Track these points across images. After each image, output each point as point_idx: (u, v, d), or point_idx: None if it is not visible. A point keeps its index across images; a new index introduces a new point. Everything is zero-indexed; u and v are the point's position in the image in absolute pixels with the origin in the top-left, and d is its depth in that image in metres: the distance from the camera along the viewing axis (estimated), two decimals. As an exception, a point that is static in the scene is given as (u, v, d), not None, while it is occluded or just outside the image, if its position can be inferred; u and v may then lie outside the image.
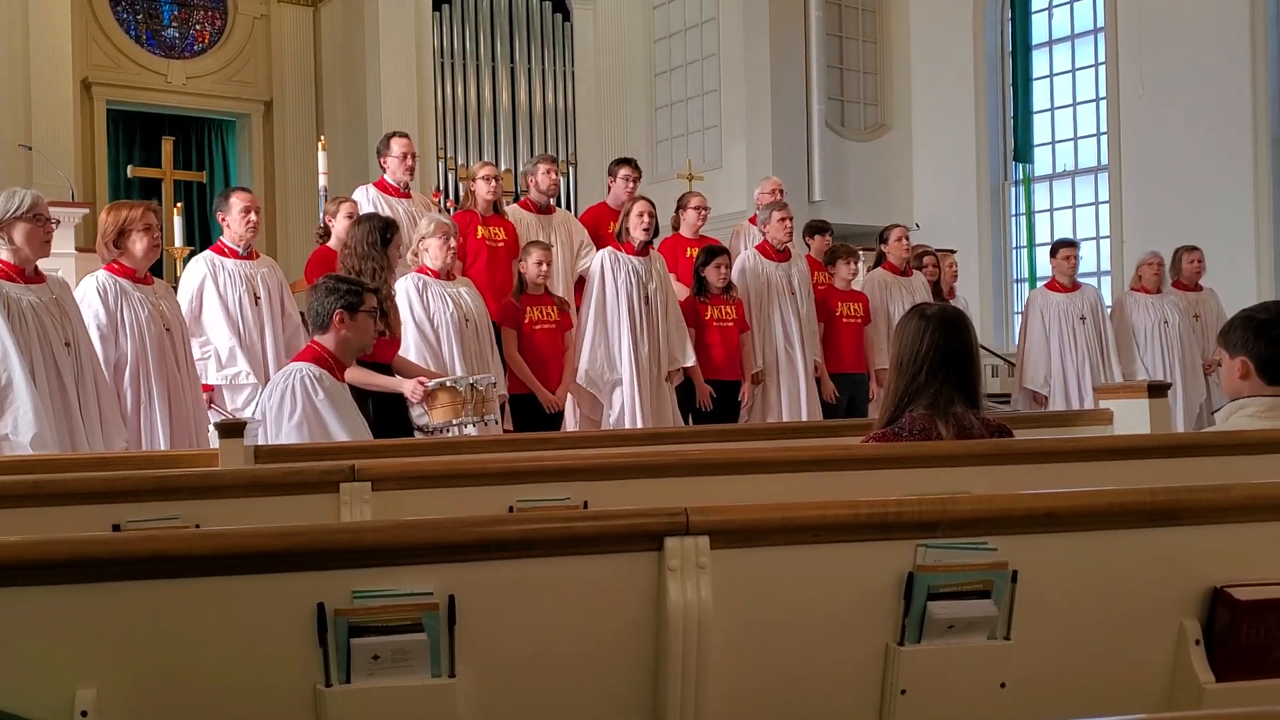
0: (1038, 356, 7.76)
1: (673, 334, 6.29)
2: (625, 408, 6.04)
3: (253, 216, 5.42)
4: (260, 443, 3.66)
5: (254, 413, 4.46)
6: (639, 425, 5.97)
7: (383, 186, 6.39)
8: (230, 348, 5.25)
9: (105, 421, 4.22)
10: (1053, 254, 8.02)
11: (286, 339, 5.40)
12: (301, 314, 5.18)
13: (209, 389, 5.21)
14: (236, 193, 5.54)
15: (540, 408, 5.90)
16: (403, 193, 6.42)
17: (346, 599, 1.58)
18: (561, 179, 12.69)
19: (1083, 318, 7.69)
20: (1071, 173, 11.81)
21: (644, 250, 6.27)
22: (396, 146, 6.37)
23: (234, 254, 5.40)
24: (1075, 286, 7.90)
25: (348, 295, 4.08)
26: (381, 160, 6.45)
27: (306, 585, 1.58)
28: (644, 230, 6.19)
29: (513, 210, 6.67)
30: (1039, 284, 11.34)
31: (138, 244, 4.63)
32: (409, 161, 6.38)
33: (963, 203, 12.22)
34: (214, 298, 5.29)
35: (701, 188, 8.81)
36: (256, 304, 5.36)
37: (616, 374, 6.08)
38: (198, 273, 5.35)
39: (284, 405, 3.86)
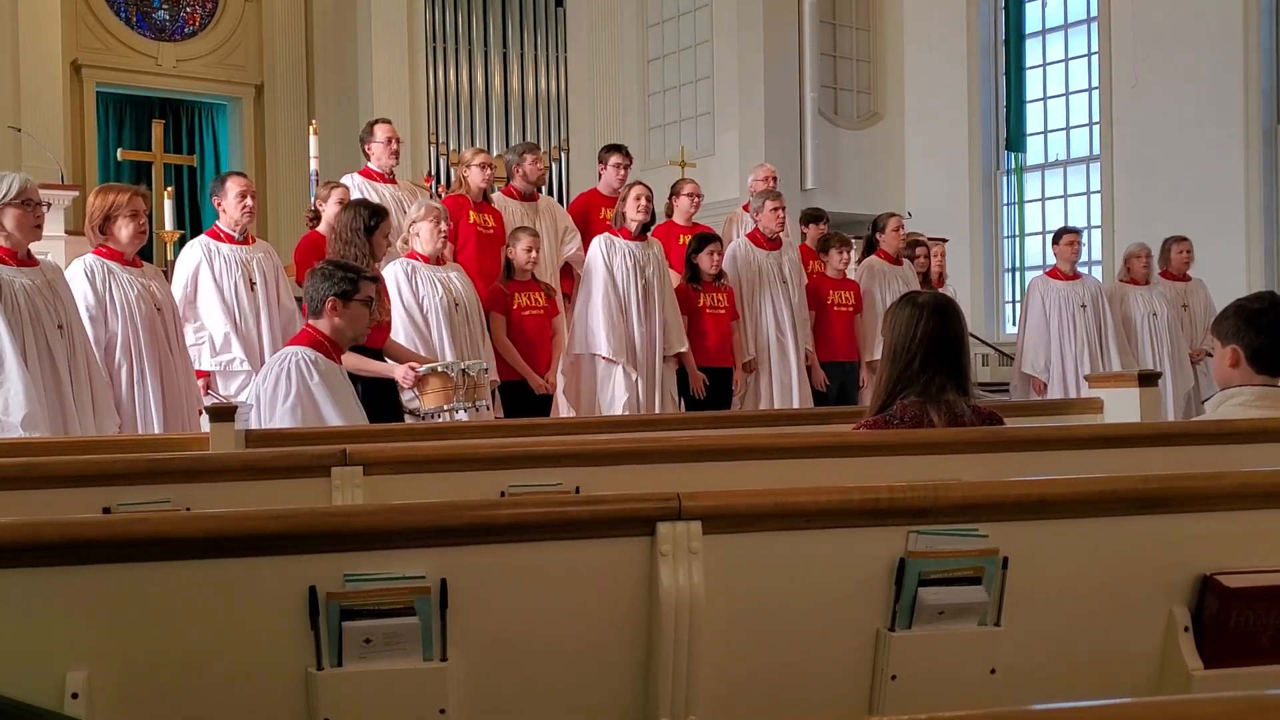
0: (1037, 342, 7.75)
1: (669, 320, 6.29)
2: (621, 391, 6.04)
3: (249, 201, 5.37)
4: (254, 425, 3.66)
5: (248, 396, 4.45)
6: (635, 409, 5.98)
7: (367, 174, 6.35)
8: (224, 334, 5.20)
9: (97, 406, 4.21)
10: (1055, 240, 7.98)
11: (282, 324, 5.35)
12: (298, 299, 5.16)
13: (204, 374, 5.18)
14: (232, 177, 5.48)
15: (531, 393, 5.90)
16: (388, 178, 6.38)
17: (338, 582, 1.58)
18: (552, 165, 12.80)
19: (1083, 306, 7.68)
20: (1063, 162, 11.81)
21: (640, 235, 6.26)
22: (380, 132, 6.34)
23: (229, 239, 5.35)
24: (1076, 275, 7.88)
25: (342, 283, 4.06)
26: (365, 147, 6.40)
27: (298, 568, 1.58)
28: (641, 212, 6.20)
29: (497, 198, 6.64)
30: (1031, 272, 11.41)
31: (124, 229, 4.60)
32: (393, 146, 6.34)
33: (954, 191, 12.22)
34: (209, 283, 5.24)
35: (694, 174, 8.78)
36: (252, 289, 5.31)
37: (609, 352, 6.07)
38: (193, 257, 5.29)
39: (278, 388, 3.85)
